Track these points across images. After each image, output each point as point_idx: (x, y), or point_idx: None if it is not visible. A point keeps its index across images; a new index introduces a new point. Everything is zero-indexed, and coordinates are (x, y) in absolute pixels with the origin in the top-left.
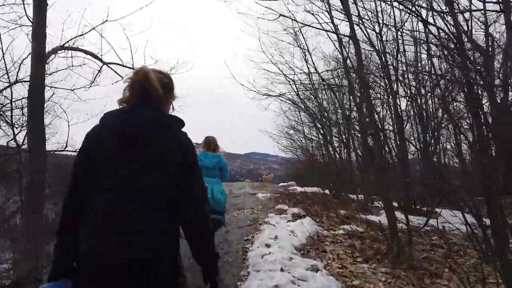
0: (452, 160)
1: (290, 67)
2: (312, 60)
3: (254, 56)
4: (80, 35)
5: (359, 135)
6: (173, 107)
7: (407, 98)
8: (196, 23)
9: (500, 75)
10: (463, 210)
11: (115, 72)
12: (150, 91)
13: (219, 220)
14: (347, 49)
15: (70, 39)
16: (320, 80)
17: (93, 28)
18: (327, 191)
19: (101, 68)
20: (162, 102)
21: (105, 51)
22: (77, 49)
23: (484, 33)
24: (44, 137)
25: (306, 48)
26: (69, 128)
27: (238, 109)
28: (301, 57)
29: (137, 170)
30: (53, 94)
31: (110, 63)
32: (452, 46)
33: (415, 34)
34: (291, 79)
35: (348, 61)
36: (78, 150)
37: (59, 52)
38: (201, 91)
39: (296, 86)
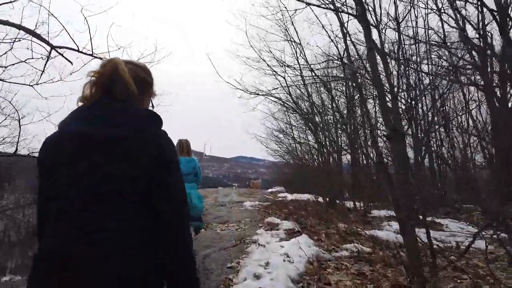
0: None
1: (280, 64)
2: (304, 54)
3: (242, 52)
4: (8, 2)
5: (355, 135)
6: (152, 106)
7: (405, 99)
8: (193, 20)
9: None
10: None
11: (66, 59)
12: (118, 85)
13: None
14: (338, 44)
15: None
16: (314, 76)
17: None
18: (320, 199)
19: (49, 53)
20: (136, 99)
21: (56, 32)
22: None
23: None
24: None
25: (298, 41)
26: (20, 128)
27: (235, 108)
28: (291, 54)
29: (101, 162)
30: None
31: (60, 47)
32: None
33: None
34: (281, 75)
35: (346, 52)
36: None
37: None
38: (197, 88)
39: (286, 83)
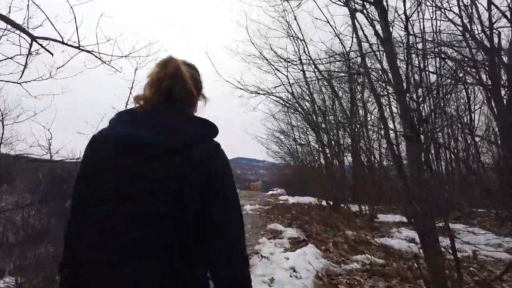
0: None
1: (281, 59)
2: (307, 50)
3: (242, 50)
4: None
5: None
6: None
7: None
8: (193, 20)
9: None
10: None
11: (47, 50)
12: (178, 86)
13: None
14: (344, 41)
15: None
16: (317, 72)
17: None
18: (323, 202)
19: (31, 45)
20: (192, 102)
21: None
22: None
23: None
24: None
25: (301, 37)
26: (3, 128)
27: (235, 108)
28: (294, 52)
29: (128, 163)
30: None
31: (42, 38)
32: None
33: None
34: (283, 73)
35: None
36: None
37: None
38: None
39: (289, 81)
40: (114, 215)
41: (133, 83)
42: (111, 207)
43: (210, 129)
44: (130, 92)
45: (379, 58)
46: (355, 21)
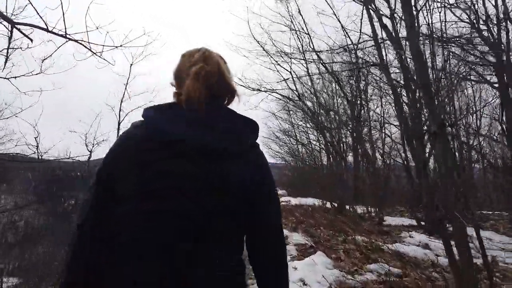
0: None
1: (283, 54)
2: (312, 44)
3: (243, 46)
4: None
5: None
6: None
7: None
8: (192, 18)
9: None
10: None
11: (27, 37)
12: (222, 88)
13: None
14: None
15: None
16: (322, 67)
17: None
18: (328, 204)
19: (11, 32)
20: (229, 101)
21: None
22: None
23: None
24: None
25: (306, 31)
26: None
27: (235, 106)
28: (297, 48)
29: (153, 159)
30: None
31: (23, 24)
32: None
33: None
34: (286, 69)
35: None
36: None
37: None
38: None
39: (292, 77)
40: (137, 212)
41: (128, 78)
42: (135, 204)
43: (247, 127)
44: (125, 88)
45: (398, 50)
46: (369, 8)
